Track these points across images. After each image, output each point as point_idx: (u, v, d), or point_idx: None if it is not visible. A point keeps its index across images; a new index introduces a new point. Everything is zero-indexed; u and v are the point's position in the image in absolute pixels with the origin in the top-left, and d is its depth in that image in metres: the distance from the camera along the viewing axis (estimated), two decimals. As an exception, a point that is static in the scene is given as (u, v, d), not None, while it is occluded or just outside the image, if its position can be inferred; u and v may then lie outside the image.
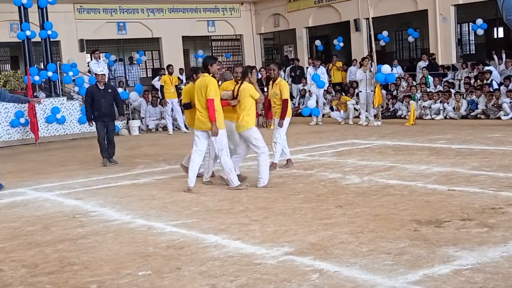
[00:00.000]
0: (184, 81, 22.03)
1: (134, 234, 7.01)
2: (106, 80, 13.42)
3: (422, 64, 21.49)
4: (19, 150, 16.45)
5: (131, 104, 20.49)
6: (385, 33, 23.61)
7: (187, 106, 10.13)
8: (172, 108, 18.91)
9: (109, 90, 12.87)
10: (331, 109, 19.23)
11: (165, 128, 19.40)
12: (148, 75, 28.68)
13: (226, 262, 5.72)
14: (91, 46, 23.80)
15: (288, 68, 24.01)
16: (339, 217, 7.12)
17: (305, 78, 21.46)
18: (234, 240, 6.42)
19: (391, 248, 5.76)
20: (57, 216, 8.18)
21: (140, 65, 28.31)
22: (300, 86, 21.96)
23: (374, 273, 5.12)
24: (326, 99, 20.12)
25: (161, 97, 20.06)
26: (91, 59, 21.11)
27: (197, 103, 9.19)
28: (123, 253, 6.29)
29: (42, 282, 5.52)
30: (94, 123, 12.79)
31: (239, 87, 9.33)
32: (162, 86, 19.68)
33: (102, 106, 12.62)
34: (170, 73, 19.04)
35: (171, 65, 19.98)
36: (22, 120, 17.66)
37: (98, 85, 12.73)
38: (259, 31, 29.98)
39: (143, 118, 19.97)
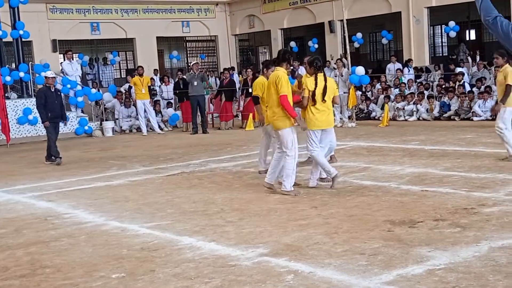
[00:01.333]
0: (158, 82, 21.94)
1: (108, 236, 6.96)
2: (80, 80, 13.56)
3: (392, 66, 21.66)
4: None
5: (104, 105, 20.36)
6: (359, 35, 23.77)
7: (257, 101, 9.92)
8: (145, 109, 18.80)
9: (58, 93, 13.48)
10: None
11: (139, 129, 19.30)
12: (122, 76, 28.54)
13: (201, 264, 5.70)
14: (64, 47, 23.63)
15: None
16: (314, 218, 7.14)
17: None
18: (209, 242, 6.40)
19: (366, 248, 5.78)
20: (29, 219, 8.10)
21: (114, 65, 28.16)
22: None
23: (349, 273, 5.14)
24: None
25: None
26: (64, 60, 20.96)
27: (268, 99, 8.78)
28: (96, 255, 6.24)
29: (13, 286, 5.48)
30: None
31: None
32: (130, 87, 19.62)
33: (55, 107, 12.99)
34: (140, 75, 18.91)
35: (141, 66, 19.93)
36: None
37: (50, 87, 13.13)
38: (234, 32, 29.98)
39: (116, 119, 19.85)
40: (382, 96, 19.32)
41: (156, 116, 19.41)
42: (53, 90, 13.13)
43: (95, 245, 6.63)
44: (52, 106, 12.92)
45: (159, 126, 19.24)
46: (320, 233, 6.41)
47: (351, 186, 8.88)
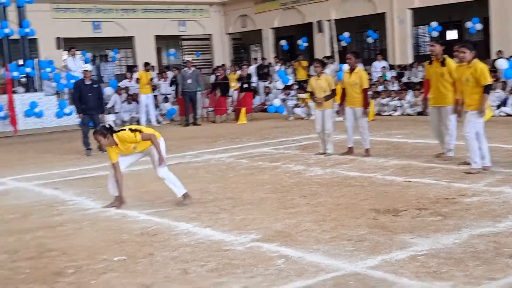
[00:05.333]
0: (156, 78, 21.87)
1: (110, 222, 7.01)
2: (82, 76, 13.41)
3: (378, 64, 21.69)
4: (-2, 142, 16.24)
5: (105, 101, 20.27)
6: (346, 34, 23.75)
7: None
8: (147, 102, 18.76)
9: (95, 85, 13.04)
10: (296, 106, 19.29)
11: (138, 122, 19.23)
12: (122, 72, 28.46)
13: (197, 248, 5.74)
14: (68, 44, 23.53)
15: (255, 66, 23.97)
16: (303, 206, 7.17)
17: (271, 76, 21.50)
18: (204, 228, 6.45)
19: (352, 235, 5.82)
20: (36, 205, 8.15)
21: (115, 62, 28.08)
22: (266, 83, 21.95)
23: (336, 258, 5.17)
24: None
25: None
26: (68, 57, 20.90)
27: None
28: (99, 239, 6.29)
29: (22, 267, 5.51)
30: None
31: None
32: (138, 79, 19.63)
33: (89, 99, 12.71)
34: (147, 70, 18.93)
35: (148, 62, 19.88)
36: (1, 114, 17.41)
37: (85, 80, 12.89)
38: (227, 31, 29.96)
39: (117, 112, 19.79)
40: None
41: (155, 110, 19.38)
42: (89, 83, 12.88)
43: (98, 230, 6.68)
44: (86, 99, 12.70)
45: (157, 120, 19.20)
46: (309, 221, 6.44)
47: (339, 177, 8.92)
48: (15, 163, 12.11)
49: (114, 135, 7.45)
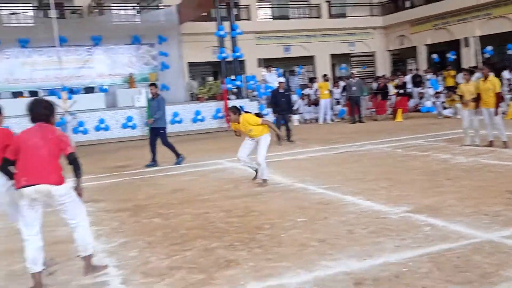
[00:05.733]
0: (331, 87, 21.89)
1: (295, 193, 7.18)
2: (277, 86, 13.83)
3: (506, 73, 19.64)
4: (217, 135, 17.16)
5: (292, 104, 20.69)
6: (489, 48, 21.96)
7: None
8: (325, 105, 18.93)
9: (286, 93, 13.39)
10: (444, 108, 18.25)
11: (316, 120, 19.45)
12: (305, 83, 28.85)
13: (360, 216, 5.76)
14: (266, 63, 24.39)
15: (410, 76, 23.04)
16: (449, 187, 6.87)
17: (423, 83, 20.56)
18: (366, 200, 6.43)
19: (489, 211, 5.50)
20: (243, 179, 8.50)
21: (299, 75, 28.56)
22: (419, 89, 21.03)
23: (475, 228, 4.95)
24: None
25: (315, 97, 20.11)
26: (266, 72, 21.64)
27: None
28: (287, 205, 6.49)
29: (233, 222, 5.86)
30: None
31: None
32: (316, 90, 19.79)
33: (282, 103, 13.14)
34: (326, 80, 19.09)
35: (326, 74, 20.06)
36: (219, 114, 18.50)
37: (279, 89, 13.35)
38: (388, 49, 29.11)
39: (301, 113, 20.15)
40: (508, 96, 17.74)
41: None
42: (282, 91, 13.33)
43: (286, 198, 6.88)
44: (279, 103, 13.14)
45: (331, 119, 19.26)
46: (453, 198, 6.18)
47: (480, 164, 8.37)
48: (229, 149, 12.60)
49: (241, 115, 7.64)
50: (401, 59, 30.86)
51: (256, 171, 8.08)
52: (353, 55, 29.80)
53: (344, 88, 19.54)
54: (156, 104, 10.55)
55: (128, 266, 4.67)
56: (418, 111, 19.11)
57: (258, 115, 7.89)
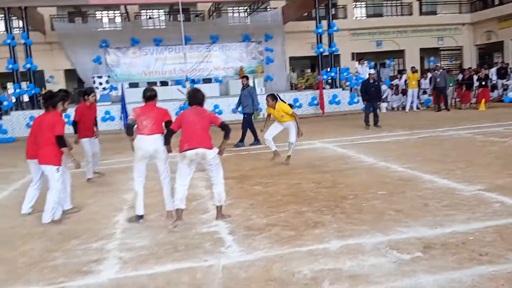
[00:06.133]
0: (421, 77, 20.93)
1: (378, 170, 7.14)
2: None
3: None
4: (312, 120, 17.15)
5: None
6: None
7: None
8: (412, 94, 18.21)
9: (375, 83, 13.16)
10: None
11: (403, 108, 18.74)
12: (394, 74, 27.82)
13: (436, 191, 5.65)
14: (359, 57, 23.85)
15: (495, 68, 21.35)
16: (523, 170, 6.48)
17: (509, 75, 18.99)
18: (442, 179, 6.26)
19: (561, 192, 5.15)
20: (332, 157, 8.58)
21: (390, 68, 27.56)
22: (504, 81, 19.48)
23: (544, 207, 4.68)
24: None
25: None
26: (358, 65, 21.21)
27: None
28: (370, 180, 6.50)
29: (321, 192, 5.99)
30: (366, 103, 13.12)
31: None
32: (406, 80, 19.02)
33: (370, 92, 12.90)
34: (414, 72, 18.33)
35: (414, 66, 19.24)
36: (315, 102, 18.49)
37: (370, 80, 13.06)
38: (475, 43, 27.07)
39: (388, 101, 19.52)
40: None
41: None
42: (372, 81, 13.00)
43: (369, 174, 6.87)
44: (369, 92, 12.84)
45: (417, 106, 18.47)
46: (525, 180, 5.84)
47: (558, 151, 7.74)
48: (321, 132, 12.76)
49: (278, 102, 7.82)
50: (487, 53, 28.63)
51: (275, 152, 8.30)
52: (442, 49, 28.14)
53: (431, 79, 18.63)
54: (246, 93, 10.94)
55: (233, 221, 5.02)
56: (501, 101, 17.75)
57: (290, 106, 8.13)
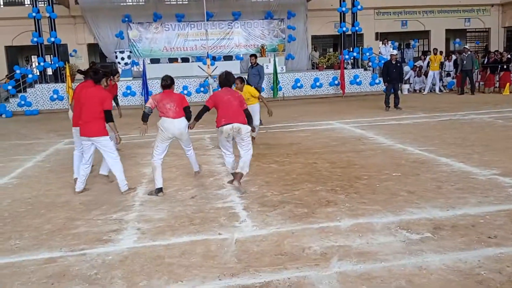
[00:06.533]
0: (443, 60, 20.56)
1: (394, 152, 7.16)
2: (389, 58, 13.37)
3: None
4: (332, 100, 17.08)
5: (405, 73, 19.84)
6: None
7: None
8: (434, 76, 17.95)
9: (398, 64, 12.98)
10: None
11: (421, 90, 18.53)
12: (418, 56, 27.32)
13: (451, 174, 5.67)
14: (383, 37, 23.46)
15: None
16: (541, 156, 6.43)
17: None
18: (458, 162, 6.27)
19: None
20: (350, 138, 8.60)
21: (414, 49, 27.06)
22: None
23: (558, 193, 4.68)
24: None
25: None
26: (382, 45, 20.91)
27: None
28: (385, 161, 6.54)
29: (336, 172, 6.08)
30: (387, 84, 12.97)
31: None
32: (428, 62, 18.74)
33: (392, 74, 12.68)
34: (435, 54, 18.00)
35: (436, 48, 18.88)
36: (336, 82, 18.36)
37: (392, 61, 12.91)
38: (503, 25, 26.27)
39: (410, 83, 19.28)
40: None
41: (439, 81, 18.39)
42: (394, 62, 12.85)
43: (385, 156, 6.90)
44: (391, 73, 12.68)
45: (439, 89, 18.21)
46: (543, 166, 5.81)
47: None
48: (340, 112, 12.73)
49: (245, 85, 7.94)
50: (516, 35, 27.82)
51: None
52: (468, 31, 27.44)
53: (456, 61, 18.28)
54: (256, 71, 10.92)
55: (248, 197, 5.17)
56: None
57: (257, 89, 8.27)
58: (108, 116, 5.43)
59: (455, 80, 18.27)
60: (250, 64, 11.31)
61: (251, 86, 10.78)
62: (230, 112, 5.31)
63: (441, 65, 18.33)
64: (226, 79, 5.51)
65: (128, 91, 17.02)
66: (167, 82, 5.49)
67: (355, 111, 12.85)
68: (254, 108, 8.23)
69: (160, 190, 5.43)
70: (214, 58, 19.86)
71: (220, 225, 4.33)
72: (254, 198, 5.12)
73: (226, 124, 5.28)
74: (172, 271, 3.43)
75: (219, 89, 5.62)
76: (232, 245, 3.84)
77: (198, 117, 5.46)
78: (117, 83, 7.96)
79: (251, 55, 11.40)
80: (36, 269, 3.59)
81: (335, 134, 9.14)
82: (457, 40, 25.51)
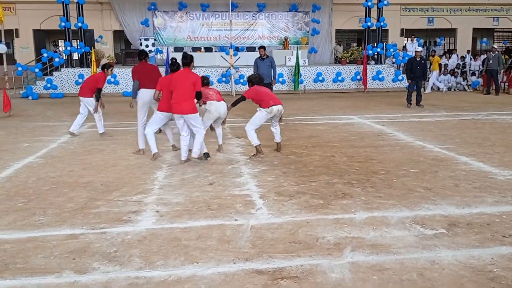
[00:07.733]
0: (468, 59, 20.20)
1: (413, 149, 7.13)
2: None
3: None
4: (353, 95, 16.99)
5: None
6: None
7: None
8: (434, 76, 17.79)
9: (422, 61, 12.80)
10: None
11: (449, 89, 18.24)
12: (444, 53, 26.87)
13: (469, 173, 5.64)
14: (409, 33, 23.15)
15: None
16: None
17: None
18: (478, 162, 6.22)
19: None
20: (369, 133, 8.58)
21: (440, 46, 26.63)
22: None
23: None
24: None
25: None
26: (407, 41, 20.64)
27: None
28: (403, 158, 6.52)
29: (354, 166, 6.07)
30: (410, 81, 12.80)
31: None
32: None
33: (416, 71, 12.63)
34: (433, 56, 17.80)
35: (434, 50, 18.66)
36: (358, 77, 18.26)
37: (416, 58, 12.78)
38: (533, 25, 25.69)
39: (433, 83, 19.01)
40: None
41: (463, 81, 18.11)
42: (418, 59, 12.68)
43: (404, 152, 6.88)
44: (415, 70, 12.60)
45: (464, 88, 17.94)
46: None
47: None
48: (361, 108, 12.66)
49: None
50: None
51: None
52: (496, 30, 26.86)
53: (484, 61, 17.97)
54: (268, 63, 10.62)
55: (265, 186, 5.24)
56: None
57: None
58: (199, 96, 6.23)
59: (480, 80, 17.96)
60: (259, 56, 10.81)
61: (265, 78, 10.75)
62: (274, 97, 6.60)
63: (440, 66, 18.18)
64: (259, 80, 6.76)
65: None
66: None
67: (376, 107, 12.78)
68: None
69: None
70: (237, 49, 19.92)
71: (236, 211, 4.42)
72: (271, 187, 5.19)
73: (276, 105, 6.52)
74: (188, 253, 3.53)
75: (254, 86, 6.69)
76: (248, 231, 3.92)
77: (235, 104, 6.48)
78: (108, 76, 8.34)
79: (260, 47, 11.05)
80: (58, 244, 3.73)
81: (355, 128, 9.13)
82: (484, 39, 25.01)
